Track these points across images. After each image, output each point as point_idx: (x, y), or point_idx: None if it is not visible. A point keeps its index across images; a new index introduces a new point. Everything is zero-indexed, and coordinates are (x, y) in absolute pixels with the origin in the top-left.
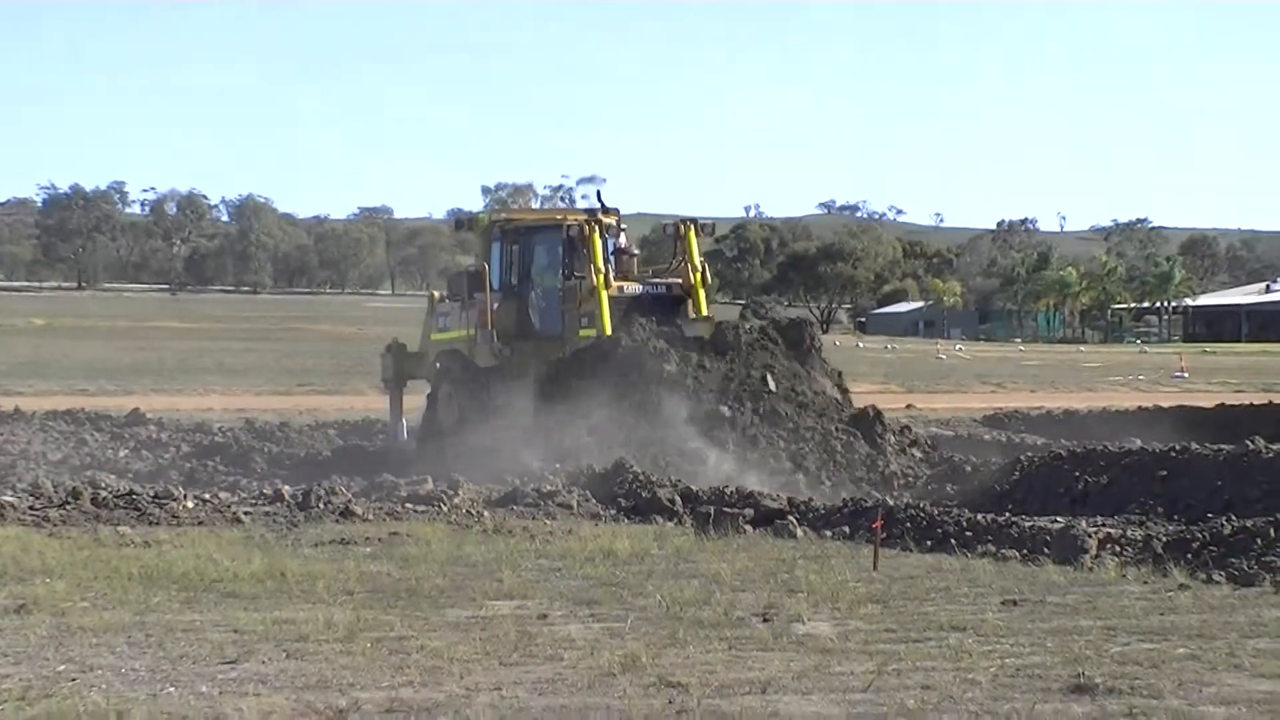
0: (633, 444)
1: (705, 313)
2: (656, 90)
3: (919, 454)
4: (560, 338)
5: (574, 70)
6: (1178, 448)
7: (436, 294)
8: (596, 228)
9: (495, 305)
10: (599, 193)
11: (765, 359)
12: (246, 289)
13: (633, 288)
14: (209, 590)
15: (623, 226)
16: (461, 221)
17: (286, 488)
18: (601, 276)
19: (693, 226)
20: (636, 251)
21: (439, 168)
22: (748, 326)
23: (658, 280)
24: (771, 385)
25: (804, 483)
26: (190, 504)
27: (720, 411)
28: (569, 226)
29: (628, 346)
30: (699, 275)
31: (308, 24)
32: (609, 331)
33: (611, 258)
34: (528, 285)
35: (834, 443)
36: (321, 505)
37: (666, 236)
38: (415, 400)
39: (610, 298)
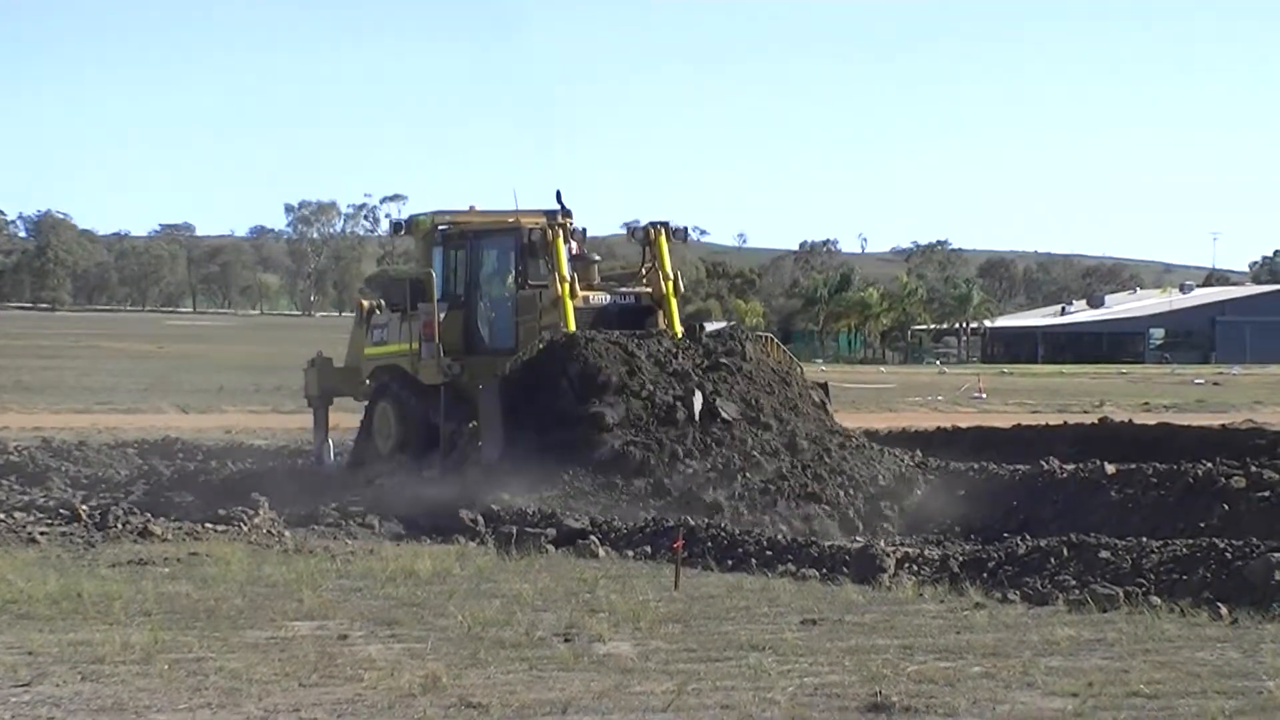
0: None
1: (677, 325)
2: (459, 107)
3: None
4: (514, 352)
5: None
6: (975, 468)
7: (367, 304)
8: (559, 232)
9: (441, 316)
10: (559, 193)
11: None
12: (45, 306)
13: (598, 297)
14: (2, 612)
15: (583, 232)
16: (399, 224)
17: (84, 507)
18: (566, 285)
19: (664, 230)
20: (598, 258)
21: (241, 185)
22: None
23: (626, 290)
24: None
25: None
26: None
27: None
28: (528, 230)
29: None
30: (670, 284)
31: (106, 36)
32: None
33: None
34: (475, 295)
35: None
36: (120, 525)
37: (636, 241)
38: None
39: (575, 309)
